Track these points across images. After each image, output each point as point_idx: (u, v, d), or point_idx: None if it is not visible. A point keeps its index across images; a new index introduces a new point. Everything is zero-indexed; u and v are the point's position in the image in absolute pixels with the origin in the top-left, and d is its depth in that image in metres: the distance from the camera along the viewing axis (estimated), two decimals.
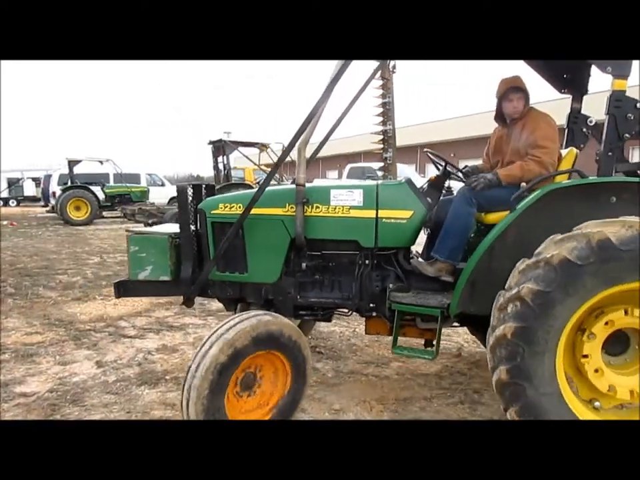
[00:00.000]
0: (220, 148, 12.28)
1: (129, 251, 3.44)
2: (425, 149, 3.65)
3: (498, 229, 2.88)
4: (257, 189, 3.18)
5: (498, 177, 3.22)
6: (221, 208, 3.42)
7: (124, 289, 3.50)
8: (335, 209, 3.25)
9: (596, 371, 2.59)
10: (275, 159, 13.11)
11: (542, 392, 2.47)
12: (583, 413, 2.57)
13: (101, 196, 18.41)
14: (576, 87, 3.67)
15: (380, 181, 3.41)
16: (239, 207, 3.32)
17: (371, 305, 3.34)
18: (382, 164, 8.93)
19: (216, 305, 6.13)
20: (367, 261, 3.32)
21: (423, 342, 3.50)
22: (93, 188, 17.89)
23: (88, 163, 18.79)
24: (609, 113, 2.91)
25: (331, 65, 3.09)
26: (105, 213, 19.16)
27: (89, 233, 14.76)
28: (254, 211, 3.16)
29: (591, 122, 3.56)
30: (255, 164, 13.24)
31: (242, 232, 3.34)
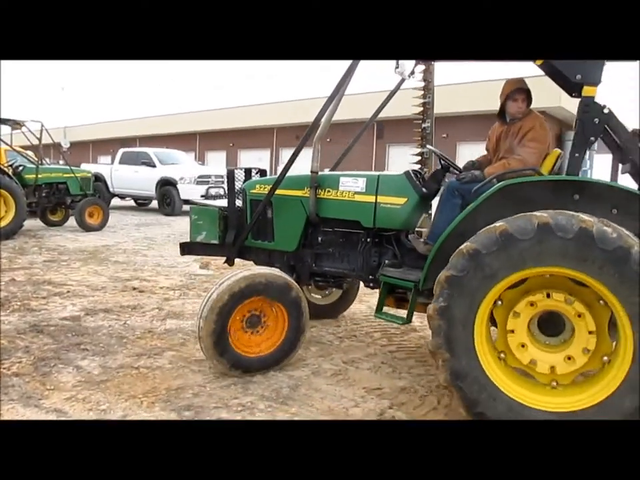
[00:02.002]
0: None
1: (191, 218, 4.31)
2: (428, 145, 4.00)
3: (459, 218, 3.11)
4: (279, 174, 3.82)
5: (483, 174, 3.55)
6: (258, 188, 4.13)
7: (188, 248, 4.38)
8: (343, 193, 3.80)
9: (522, 345, 2.87)
10: (33, 140, 11.65)
11: (463, 361, 2.77)
12: (499, 380, 2.81)
13: None
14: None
15: (382, 172, 3.88)
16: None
17: (370, 276, 3.83)
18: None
19: None
20: (368, 239, 3.84)
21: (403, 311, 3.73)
22: None
23: None
24: (578, 117, 3.03)
25: (330, 65, 3.19)
26: None
27: None
28: (280, 192, 3.90)
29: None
30: (7, 144, 11.57)
31: (271, 208, 4.04)
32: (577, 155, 3.02)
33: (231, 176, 4.30)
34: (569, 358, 2.79)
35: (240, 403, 3.25)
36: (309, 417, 3.08)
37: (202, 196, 16.22)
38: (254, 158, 37.74)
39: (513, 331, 2.87)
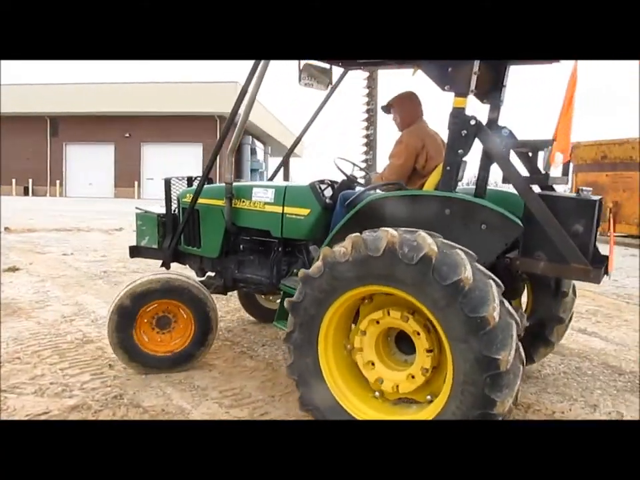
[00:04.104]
0: None
1: (136, 224, 4.65)
2: (335, 159, 3.96)
3: (335, 230, 3.19)
4: (198, 185, 4.05)
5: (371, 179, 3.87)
6: (188, 197, 4.24)
7: (136, 251, 4.63)
8: (255, 203, 3.96)
9: (372, 363, 2.90)
10: None
11: (302, 364, 2.91)
12: (337, 389, 2.88)
13: None
14: (491, 96, 3.42)
15: (289, 183, 4.14)
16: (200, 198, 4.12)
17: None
18: None
19: None
20: (279, 248, 3.98)
21: None
22: None
23: None
24: (448, 129, 2.90)
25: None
26: None
27: None
28: (205, 201, 4.11)
29: (505, 133, 3.15)
30: None
31: (198, 216, 4.22)
32: (447, 168, 2.95)
33: (167, 184, 4.54)
34: (413, 376, 2.78)
35: None
36: None
37: None
38: None
39: (362, 349, 2.90)
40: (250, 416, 3.26)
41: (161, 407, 3.34)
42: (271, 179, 4.99)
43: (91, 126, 34.53)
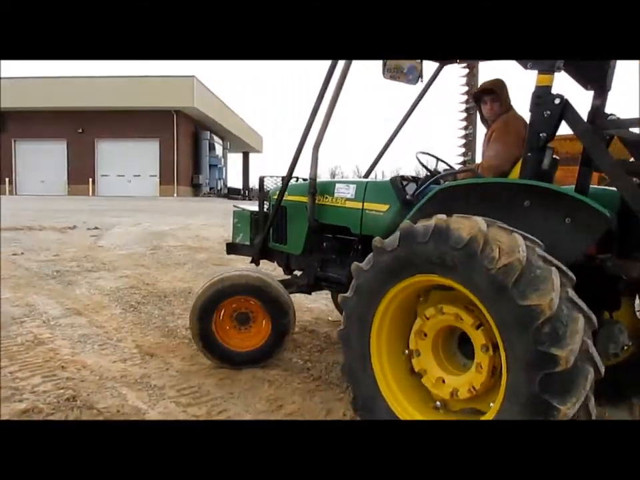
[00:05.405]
0: None
1: (233, 221, 4.85)
2: (417, 154, 3.89)
3: (404, 221, 3.01)
4: (283, 182, 4.15)
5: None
6: (277, 194, 4.25)
7: (232, 248, 4.85)
8: (337, 199, 3.92)
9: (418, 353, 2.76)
10: None
11: (354, 357, 2.82)
12: (384, 383, 2.77)
13: None
14: (596, 80, 3.10)
15: (371, 179, 4.12)
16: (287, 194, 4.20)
17: None
18: None
19: None
20: (359, 246, 3.85)
21: None
22: None
23: None
24: (530, 110, 2.68)
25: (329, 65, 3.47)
26: None
27: None
28: (291, 197, 4.18)
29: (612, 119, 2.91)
30: None
31: (285, 213, 4.28)
32: (529, 154, 2.71)
33: (261, 182, 4.70)
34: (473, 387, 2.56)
35: None
36: None
37: None
38: None
39: (426, 335, 2.74)
40: (208, 414, 3.25)
41: (116, 408, 3.26)
42: (366, 175, 4.75)
43: (42, 122, 33.45)
